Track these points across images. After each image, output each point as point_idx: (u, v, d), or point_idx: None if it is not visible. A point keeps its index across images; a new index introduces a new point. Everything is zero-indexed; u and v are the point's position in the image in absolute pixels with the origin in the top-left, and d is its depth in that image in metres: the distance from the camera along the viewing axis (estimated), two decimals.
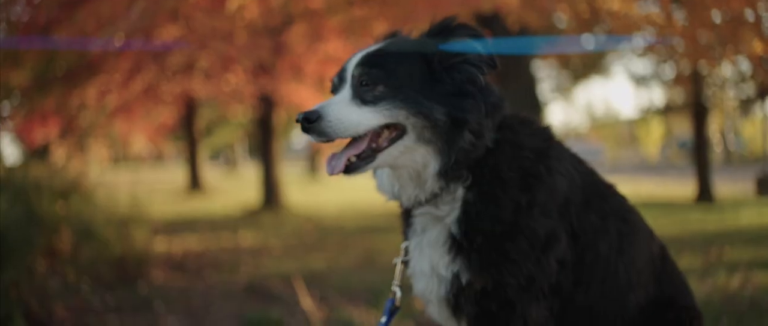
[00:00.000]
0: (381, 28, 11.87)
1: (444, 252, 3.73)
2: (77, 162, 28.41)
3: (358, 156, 3.55)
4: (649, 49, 9.79)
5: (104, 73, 17.65)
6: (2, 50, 13.85)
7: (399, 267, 4.08)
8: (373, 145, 3.57)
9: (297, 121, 3.48)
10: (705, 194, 22.27)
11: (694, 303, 4.18)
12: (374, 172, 3.96)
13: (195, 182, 36.95)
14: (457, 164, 3.55)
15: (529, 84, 10.25)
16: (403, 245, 4.07)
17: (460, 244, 3.69)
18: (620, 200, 4.14)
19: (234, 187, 41.11)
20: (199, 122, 38.03)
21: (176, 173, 56.09)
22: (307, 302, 8.23)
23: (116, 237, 11.80)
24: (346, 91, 3.61)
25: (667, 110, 36.98)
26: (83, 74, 16.40)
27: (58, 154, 29.86)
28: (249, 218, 21.83)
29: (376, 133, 3.57)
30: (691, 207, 20.28)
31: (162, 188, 40.56)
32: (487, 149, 3.64)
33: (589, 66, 26.48)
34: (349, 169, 3.54)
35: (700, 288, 8.18)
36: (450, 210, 3.72)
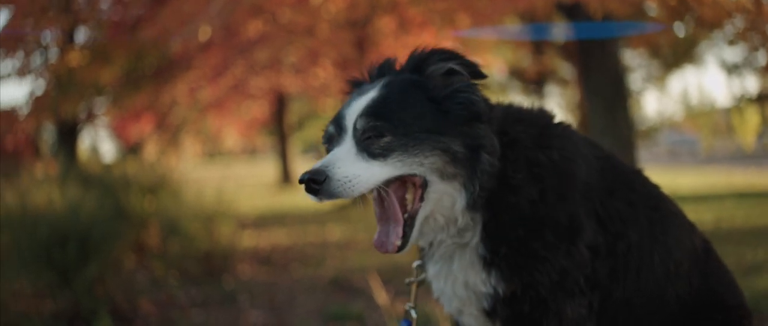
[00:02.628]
0: (464, 21, 11.77)
1: (480, 270, 3.52)
2: (170, 158, 28.84)
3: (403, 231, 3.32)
4: (739, 37, 9.44)
5: (193, 70, 17.92)
6: (92, 48, 14.16)
7: (414, 289, 3.91)
8: (409, 211, 3.35)
9: (300, 182, 3.24)
10: None
11: (744, 302, 3.90)
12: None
13: (286, 177, 37.21)
14: (482, 189, 3.36)
15: (614, 72, 9.97)
16: (415, 264, 3.90)
17: (490, 261, 3.48)
18: (650, 187, 3.88)
19: None
20: (289, 117, 38.36)
21: (269, 168, 56.64)
22: (382, 297, 8.16)
23: (203, 232, 11.91)
24: (349, 144, 3.36)
25: (762, 99, 35.89)
26: (172, 71, 16.67)
27: (150, 150, 30.45)
28: (338, 212, 21.83)
29: (399, 186, 3.37)
30: None
31: (254, 183, 41.05)
32: None
33: (680, 55, 25.87)
34: (401, 248, 3.33)
35: None
36: (472, 235, 3.52)
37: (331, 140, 3.49)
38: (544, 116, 3.75)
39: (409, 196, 3.37)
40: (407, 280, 3.93)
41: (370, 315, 8.33)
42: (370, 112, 3.34)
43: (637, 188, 3.78)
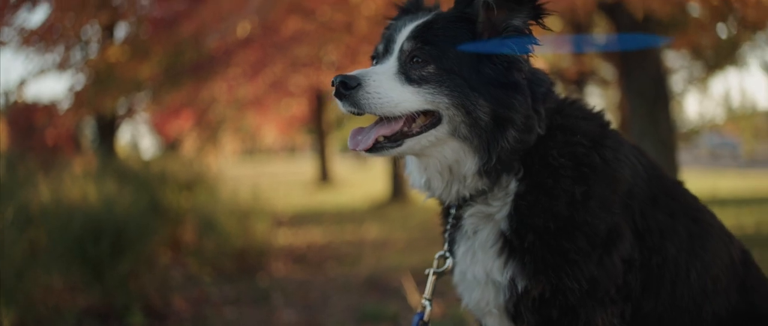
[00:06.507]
0: None
1: (495, 255, 3.36)
2: (209, 155, 28.96)
3: (386, 137, 3.23)
4: None
5: (232, 66, 17.92)
6: (132, 44, 14.23)
7: (431, 279, 3.73)
8: (405, 129, 3.25)
9: (332, 84, 3.17)
10: None
11: None
12: (405, 164, 3.68)
13: (324, 175, 37.20)
14: (500, 162, 3.21)
15: (655, 72, 9.78)
16: (438, 255, 3.72)
17: (511, 244, 3.32)
18: (690, 197, 3.71)
19: (363, 180, 41.23)
20: (328, 115, 38.28)
21: (307, 166, 56.85)
22: (415, 298, 8.07)
23: (238, 229, 11.91)
24: (392, 63, 3.29)
25: None
26: (211, 67, 16.68)
27: (189, 146, 30.61)
28: (376, 210, 21.79)
29: (411, 117, 3.25)
30: None
31: (292, 181, 41.12)
32: (538, 136, 3.30)
33: (722, 57, 25.46)
34: (374, 149, 3.23)
35: None
36: (501, 206, 3.36)
37: (377, 58, 3.48)
38: (604, 118, 3.61)
39: (419, 120, 3.28)
40: (427, 270, 3.74)
41: (405, 315, 8.23)
42: (419, 36, 3.29)
43: (678, 199, 3.62)
